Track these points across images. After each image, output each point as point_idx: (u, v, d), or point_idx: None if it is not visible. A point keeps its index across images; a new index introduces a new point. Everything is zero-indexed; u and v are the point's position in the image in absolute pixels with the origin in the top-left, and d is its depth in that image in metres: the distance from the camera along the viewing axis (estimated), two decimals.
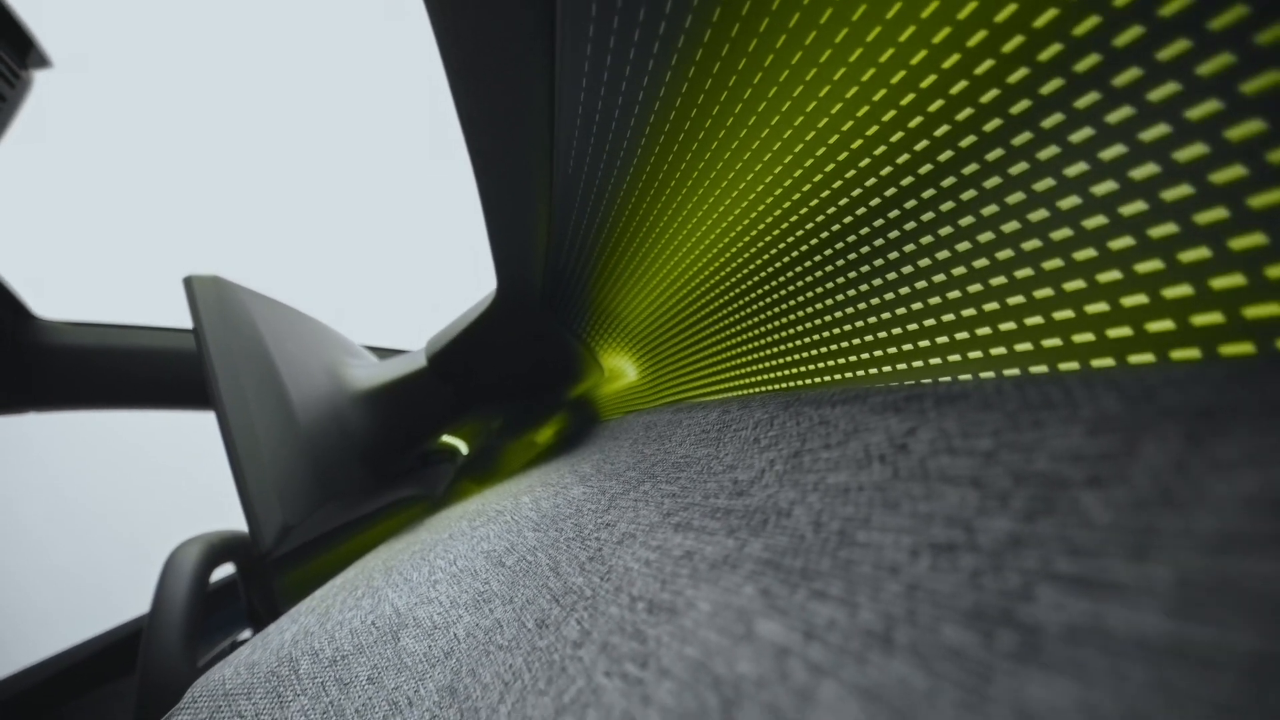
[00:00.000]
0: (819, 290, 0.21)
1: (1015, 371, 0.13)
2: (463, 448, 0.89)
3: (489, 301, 0.51)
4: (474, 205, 0.36)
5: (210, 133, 1.38)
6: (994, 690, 0.06)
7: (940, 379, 0.14)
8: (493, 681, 0.19)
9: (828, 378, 0.20)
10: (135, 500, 1.57)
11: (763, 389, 0.25)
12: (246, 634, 0.69)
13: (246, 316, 0.51)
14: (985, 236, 0.14)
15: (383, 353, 1.01)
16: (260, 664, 0.30)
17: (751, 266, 0.26)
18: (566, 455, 0.42)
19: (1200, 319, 0.11)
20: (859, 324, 0.19)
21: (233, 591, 0.98)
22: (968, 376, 0.13)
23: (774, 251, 0.25)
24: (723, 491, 0.15)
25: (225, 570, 0.99)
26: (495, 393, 0.60)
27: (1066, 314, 0.12)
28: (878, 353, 0.18)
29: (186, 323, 1.05)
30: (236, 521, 0.61)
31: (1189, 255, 0.11)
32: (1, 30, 0.62)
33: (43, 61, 0.66)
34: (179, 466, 1.56)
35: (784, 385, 0.23)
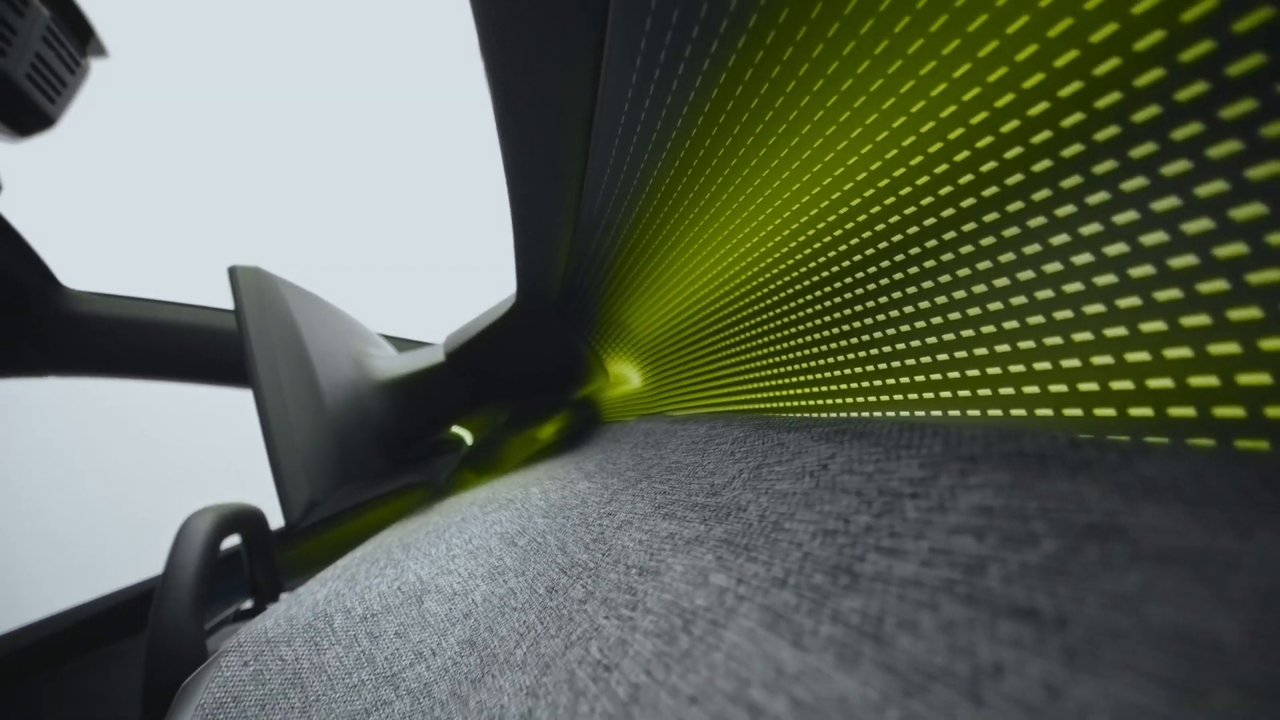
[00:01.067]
0: (790, 330, 0.26)
1: (907, 414, 0.18)
2: (468, 438, 0.94)
3: (507, 306, 0.56)
4: (491, 212, 0.41)
5: (251, 126, 1.44)
6: (830, 605, 0.11)
7: (860, 414, 0.19)
8: (509, 634, 0.24)
9: (790, 404, 0.25)
10: (131, 468, 1.62)
11: (743, 409, 0.31)
12: (248, 604, 0.73)
13: (283, 305, 0.56)
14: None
15: (396, 341, 1.06)
16: (298, 617, 0.35)
17: (744, 299, 0.31)
18: (572, 453, 0.47)
19: (996, 388, 0.15)
20: (816, 362, 0.24)
21: (232, 564, 1.03)
22: (880, 414, 0.18)
23: (761, 289, 0.29)
24: (702, 491, 0.20)
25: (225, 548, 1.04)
26: (507, 390, 0.65)
27: (932, 371, 0.17)
28: (822, 387, 0.22)
29: (203, 300, 1.10)
30: (225, 494, 0.66)
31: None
32: (65, 18, 0.67)
33: (101, 50, 0.71)
34: (181, 439, 1.62)
35: (758, 407, 0.29)
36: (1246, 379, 0.11)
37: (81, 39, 0.70)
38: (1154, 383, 0.12)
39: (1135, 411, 0.13)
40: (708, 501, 0.19)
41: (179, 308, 1.07)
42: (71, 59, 0.69)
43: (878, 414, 0.19)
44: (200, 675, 0.37)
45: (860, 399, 0.21)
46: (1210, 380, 0.11)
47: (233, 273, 0.54)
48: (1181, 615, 0.08)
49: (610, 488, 0.30)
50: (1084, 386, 0.14)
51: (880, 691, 0.09)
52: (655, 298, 0.42)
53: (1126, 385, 0.13)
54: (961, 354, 0.16)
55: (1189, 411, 0.12)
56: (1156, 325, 0.12)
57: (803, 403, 0.25)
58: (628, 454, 0.35)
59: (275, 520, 0.70)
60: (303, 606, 0.37)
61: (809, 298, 0.25)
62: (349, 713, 0.28)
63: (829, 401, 0.23)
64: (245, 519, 0.63)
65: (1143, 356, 0.12)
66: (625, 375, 0.61)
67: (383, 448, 0.59)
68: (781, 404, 0.28)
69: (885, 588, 0.10)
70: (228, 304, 1.10)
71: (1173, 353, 0.12)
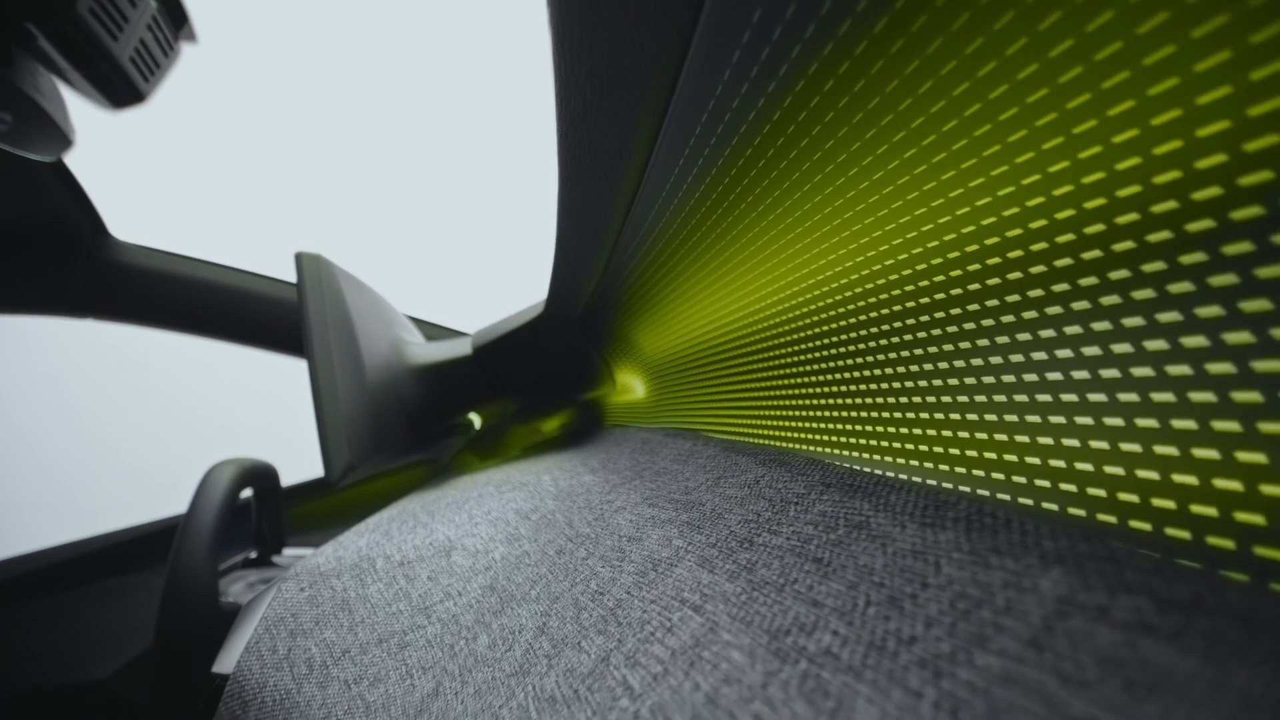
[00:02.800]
0: (757, 371, 0.35)
1: (826, 451, 0.27)
2: (477, 423, 1.03)
3: (534, 313, 0.66)
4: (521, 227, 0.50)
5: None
6: (734, 557, 0.19)
7: (787, 446, 0.28)
8: (524, 582, 0.34)
9: (747, 432, 0.34)
10: (129, 417, 1.72)
11: (717, 432, 0.40)
12: (254, 554, 0.82)
13: (338, 290, 0.65)
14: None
15: (421, 324, 1.15)
16: (345, 558, 0.45)
17: (733, 342, 0.40)
18: (579, 450, 0.56)
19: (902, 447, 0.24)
20: (769, 400, 0.33)
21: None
22: (801, 447, 0.27)
23: (750, 336, 0.38)
24: (678, 491, 0.29)
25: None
26: (523, 386, 0.74)
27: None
28: (770, 421, 0.31)
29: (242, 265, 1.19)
30: (222, 449, 0.74)
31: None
32: (166, 6, 0.76)
33: (192, 36, 0.81)
34: (189, 392, 1.72)
35: (728, 432, 0.38)
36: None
37: (176, 25, 0.79)
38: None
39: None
40: (681, 498, 0.28)
41: (219, 268, 1.16)
42: (167, 43, 0.78)
43: (800, 447, 0.28)
44: (261, 596, 0.47)
45: (787, 432, 0.30)
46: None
47: (298, 258, 0.64)
48: None
49: (610, 481, 0.39)
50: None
51: (745, 591, 0.17)
52: (666, 325, 0.51)
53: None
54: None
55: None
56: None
57: (757, 432, 0.34)
58: (626, 456, 0.44)
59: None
60: (347, 551, 0.46)
61: (787, 350, 0.33)
62: (389, 632, 0.37)
63: (772, 433, 0.32)
64: (261, 474, 0.71)
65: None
66: (630, 385, 0.70)
67: (410, 425, 0.69)
68: (741, 432, 0.37)
69: (767, 551, 0.19)
70: (263, 270, 1.20)
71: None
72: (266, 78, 1.52)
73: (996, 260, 0.17)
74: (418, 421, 0.70)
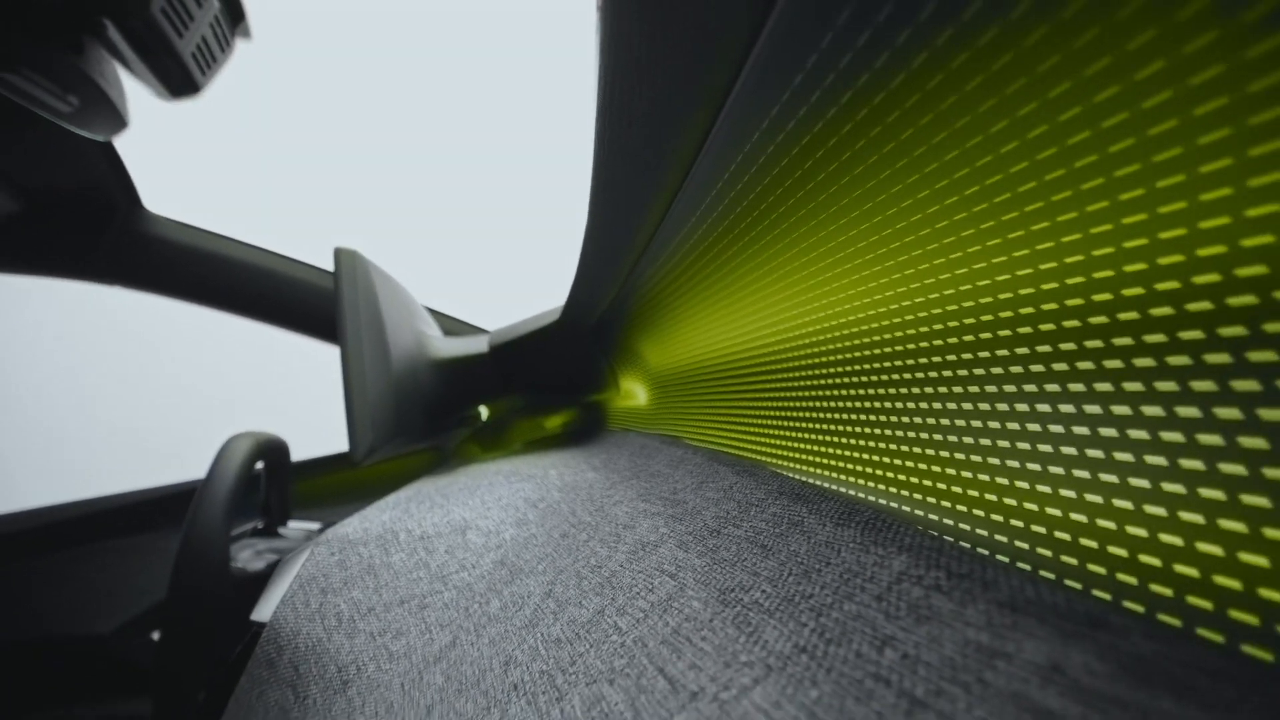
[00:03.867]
0: (747, 392, 0.42)
1: (801, 472, 0.34)
2: (484, 415, 1.10)
3: (550, 320, 0.73)
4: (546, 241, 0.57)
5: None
6: (703, 541, 0.26)
7: (764, 461, 0.35)
8: (531, 559, 0.40)
9: (728, 445, 0.41)
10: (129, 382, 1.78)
11: (703, 444, 0.47)
12: (260, 524, 0.88)
13: (370, 285, 0.72)
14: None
15: (436, 315, 1.22)
16: (370, 529, 0.52)
17: (730, 365, 0.47)
18: (582, 450, 0.63)
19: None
20: (746, 421, 0.40)
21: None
22: (778, 466, 0.34)
23: (743, 356, 0.45)
24: (668, 491, 0.36)
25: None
26: (533, 384, 0.81)
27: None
28: (739, 431, 0.38)
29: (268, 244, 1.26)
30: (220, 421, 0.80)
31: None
32: (226, 4, 0.84)
33: (247, 33, 0.88)
34: (195, 367, 1.79)
35: (712, 444, 0.45)
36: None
37: (234, 22, 0.86)
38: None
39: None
40: (669, 497, 0.35)
41: (243, 246, 1.23)
42: (225, 39, 0.86)
43: (768, 460, 0.34)
44: (294, 557, 0.54)
45: (759, 447, 0.37)
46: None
47: (337, 253, 0.71)
48: None
49: (610, 479, 0.46)
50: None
51: (708, 565, 0.24)
52: (669, 342, 0.58)
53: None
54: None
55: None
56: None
57: (736, 444, 0.41)
58: (626, 459, 0.51)
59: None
60: (372, 524, 0.53)
61: (767, 377, 0.40)
62: (410, 594, 0.44)
63: (748, 446, 0.39)
64: (274, 448, 0.76)
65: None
66: (633, 391, 0.77)
67: (426, 414, 0.76)
68: (724, 443, 0.44)
69: (729, 539, 0.26)
70: (289, 253, 1.27)
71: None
72: (313, 74, 1.61)
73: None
74: (434, 411, 0.76)
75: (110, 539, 1.20)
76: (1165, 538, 0.14)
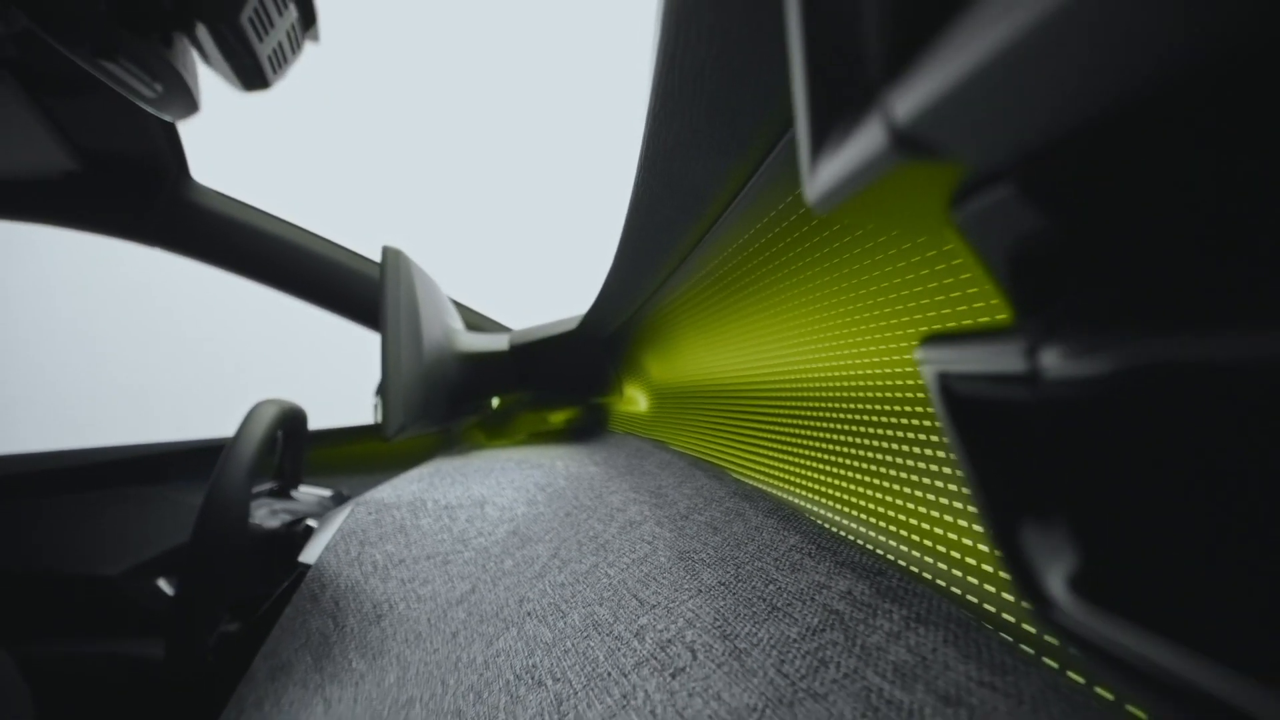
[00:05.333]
0: (728, 413, 0.53)
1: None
2: (494, 404, 1.22)
3: (568, 328, 0.84)
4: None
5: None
6: (678, 522, 0.37)
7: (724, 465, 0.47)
8: (541, 529, 0.52)
9: (710, 456, 0.52)
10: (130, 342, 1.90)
11: (688, 451, 0.58)
12: (274, 485, 0.98)
13: (410, 282, 0.84)
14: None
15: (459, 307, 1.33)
16: (402, 496, 0.63)
17: (718, 384, 0.58)
18: (586, 447, 0.74)
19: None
20: (734, 436, 0.51)
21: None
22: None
23: (730, 383, 0.56)
24: (655, 486, 0.47)
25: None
26: (545, 382, 0.93)
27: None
28: (707, 440, 0.50)
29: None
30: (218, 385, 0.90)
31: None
32: (301, 8, 0.95)
33: (316, 37, 0.99)
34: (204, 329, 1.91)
35: (693, 452, 0.56)
36: None
37: (305, 26, 0.98)
38: None
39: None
40: (654, 490, 0.46)
41: (284, 224, 1.34)
42: (297, 42, 0.97)
43: (731, 467, 0.46)
44: (335, 514, 0.65)
45: (728, 456, 0.48)
46: None
47: (384, 251, 0.82)
48: None
49: (609, 474, 0.57)
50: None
51: (676, 536, 0.35)
52: (671, 362, 0.69)
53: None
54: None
55: None
56: None
57: (714, 454, 0.52)
58: (623, 458, 0.62)
59: None
60: (402, 492, 0.65)
61: (743, 403, 0.51)
62: (435, 551, 0.56)
63: (714, 455, 0.50)
64: (295, 416, 0.85)
65: None
66: (635, 398, 0.88)
67: (449, 400, 0.87)
68: (702, 453, 0.55)
69: (694, 522, 0.36)
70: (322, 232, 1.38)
71: None
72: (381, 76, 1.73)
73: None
74: (456, 398, 0.88)
75: (122, 486, 1.30)
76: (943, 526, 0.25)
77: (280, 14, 0.89)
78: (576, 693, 0.25)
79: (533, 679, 0.29)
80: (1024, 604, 0.10)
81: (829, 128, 0.10)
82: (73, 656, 1.14)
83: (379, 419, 1.36)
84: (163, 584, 1.22)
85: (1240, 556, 0.07)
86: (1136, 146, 0.08)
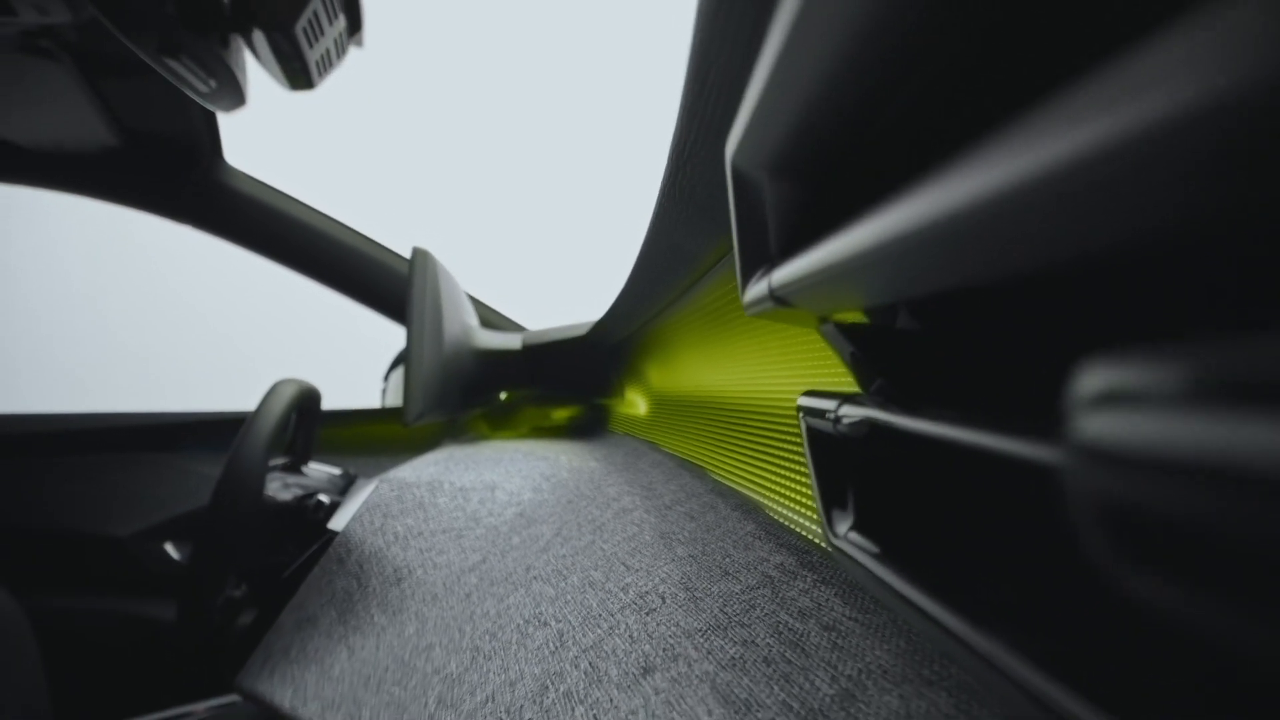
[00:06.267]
0: (711, 424, 0.62)
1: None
2: (502, 398, 1.31)
3: (578, 333, 0.93)
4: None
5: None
6: (664, 512, 0.46)
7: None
8: (545, 514, 0.61)
9: (696, 459, 0.61)
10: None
11: (678, 453, 0.67)
12: (285, 460, 1.06)
13: (436, 281, 0.93)
14: None
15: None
16: (420, 477, 0.72)
17: (708, 397, 0.67)
18: (587, 445, 0.84)
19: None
20: (714, 443, 0.60)
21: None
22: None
23: (716, 398, 0.65)
24: (645, 482, 0.56)
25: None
26: (552, 381, 1.02)
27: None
28: (688, 448, 0.59)
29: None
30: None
31: None
32: (349, 15, 1.04)
33: (360, 42, 1.09)
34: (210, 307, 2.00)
35: (681, 453, 0.66)
36: None
37: (354, 27, 1.07)
38: None
39: None
40: (646, 484, 0.55)
41: (311, 210, 1.42)
42: (343, 47, 1.06)
43: (711, 469, 0.55)
44: (361, 487, 0.74)
45: (712, 459, 0.57)
46: None
47: (414, 251, 0.91)
48: None
49: (607, 469, 0.66)
50: None
51: (660, 520, 0.44)
52: (670, 371, 0.78)
53: None
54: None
55: None
56: None
57: (700, 457, 0.62)
58: (621, 456, 0.71)
59: None
60: (421, 473, 0.74)
61: (725, 417, 0.60)
62: (450, 527, 0.65)
63: (698, 457, 0.59)
64: (311, 395, 0.90)
65: None
66: (635, 401, 0.97)
67: (463, 392, 0.96)
68: (689, 455, 0.65)
69: (676, 511, 0.45)
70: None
71: None
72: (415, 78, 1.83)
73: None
74: (470, 390, 0.97)
75: (135, 451, 1.37)
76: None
77: (331, 22, 0.98)
78: (574, 628, 0.34)
79: (539, 622, 0.38)
80: (829, 538, 0.19)
81: (751, 273, 0.19)
82: (79, 611, 1.20)
83: (386, 403, 1.45)
84: (169, 548, 1.28)
85: (931, 520, 0.16)
86: (892, 313, 0.17)
